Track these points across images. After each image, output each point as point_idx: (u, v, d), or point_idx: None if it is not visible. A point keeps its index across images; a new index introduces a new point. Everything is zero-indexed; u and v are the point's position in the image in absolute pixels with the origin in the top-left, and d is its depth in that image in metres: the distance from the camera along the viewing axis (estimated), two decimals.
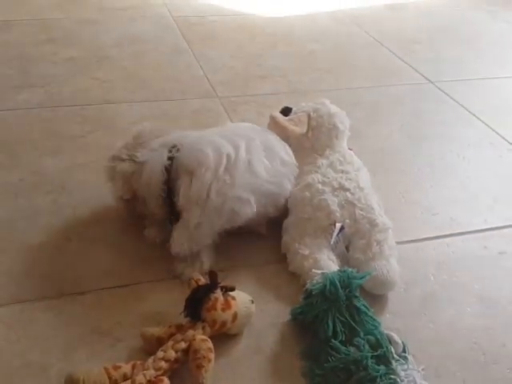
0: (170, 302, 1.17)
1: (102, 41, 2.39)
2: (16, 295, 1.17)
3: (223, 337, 1.10)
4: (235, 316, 1.09)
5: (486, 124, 2.00)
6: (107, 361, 1.03)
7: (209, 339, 1.04)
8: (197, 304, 1.08)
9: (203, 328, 1.06)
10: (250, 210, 1.25)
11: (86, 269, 1.25)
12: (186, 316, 1.09)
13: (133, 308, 1.17)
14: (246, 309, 1.12)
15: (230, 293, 1.12)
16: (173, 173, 1.23)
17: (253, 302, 1.14)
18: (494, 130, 1.95)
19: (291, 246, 1.28)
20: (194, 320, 1.07)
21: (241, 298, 1.12)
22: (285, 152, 1.35)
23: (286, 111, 1.52)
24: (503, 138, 1.91)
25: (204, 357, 1.00)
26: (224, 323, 1.08)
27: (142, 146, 1.30)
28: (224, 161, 1.22)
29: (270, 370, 1.07)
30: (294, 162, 1.37)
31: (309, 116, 1.45)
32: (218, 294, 1.10)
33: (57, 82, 2.03)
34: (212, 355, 1.01)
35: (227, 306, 1.09)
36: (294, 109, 1.53)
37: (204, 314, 1.07)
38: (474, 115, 2.06)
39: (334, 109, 1.49)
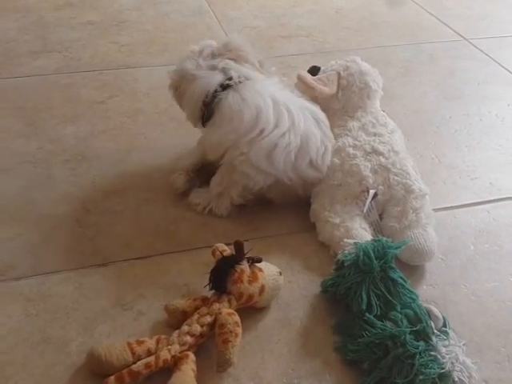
0: (194, 273, 1.12)
1: (121, 4, 2.30)
2: (35, 268, 1.13)
3: (250, 310, 1.04)
4: (262, 288, 1.03)
5: None
6: (130, 335, 1.00)
7: (235, 313, 0.98)
8: (222, 276, 1.02)
9: (229, 301, 1.01)
10: (256, 186, 1.23)
11: (106, 240, 1.20)
12: (210, 288, 1.03)
13: (156, 280, 1.12)
14: (274, 281, 1.06)
15: (257, 264, 1.05)
16: (214, 103, 1.20)
17: (281, 273, 1.08)
18: None
19: (321, 215, 1.20)
20: (220, 293, 1.02)
21: (268, 270, 1.06)
22: (317, 153, 1.23)
23: (314, 70, 1.43)
24: None
25: (231, 331, 0.94)
26: (251, 296, 1.02)
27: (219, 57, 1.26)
28: (254, 133, 1.16)
29: (299, 344, 1.01)
30: (326, 166, 1.25)
31: (338, 75, 1.36)
32: (245, 265, 1.03)
33: (75, 47, 1.96)
34: (239, 330, 0.96)
35: (254, 278, 1.03)
36: (322, 68, 1.43)
37: (230, 286, 1.01)
38: None
39: (365, 66, 1.39)
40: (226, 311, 0.98)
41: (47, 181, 1.36)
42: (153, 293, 1.09)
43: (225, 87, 1.19)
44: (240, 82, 1.20)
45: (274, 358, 0.98)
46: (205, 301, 1.02)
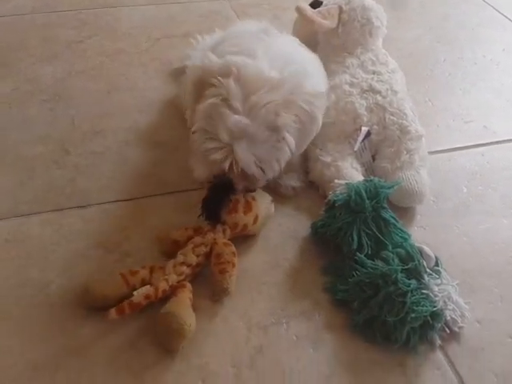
0: (180, 213, 1.08)
1: None
2: (12, 209, 1.08)
3: (238, 251, 0.99)
4: (256, 218, 1.01)
5: None
6: None
7: (231, 243, 0.96)
8: (216, 206, 0.98)
9: (224, 231, 0.98)
10: None
11: (86, 182, 1.15)
12: (205, 219, 0.99)
13: (141, 221, 1.07)
14: (267, 210, 1.05)
15: (250, 193, 1.02)
16: None
17: (272, 201, 1.06)
18: None
19: (312, 153, 1.15)
20: (214, 223, 0.99)
21: (261, 199, 1.04)
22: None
23: (315, 4, 1.35)
24: None
25: (228, 261, 0.93)
26: (245, 226, 1.00)
27: None
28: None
29: (289, 285, 0.98)
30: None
31: (340, 9, 1.29)
32: (239, 194, 1.00)
33: None
34: (236, 259, 0.94)
35: (248, 208, 1.00)
36: (324, 2, 1.35)
37: (224, 216, 0.98)
38: (507, 17, 1.87)
39: (369, 2, 1.32)
40: (222, 241, 0.96)
41: (23, 122, 1.29)
42: (138, 233, 1.04)
43: None
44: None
45: (262, 299, 0.95)
46: (197, 230, 0.99)
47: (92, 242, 1.03)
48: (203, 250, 0.95)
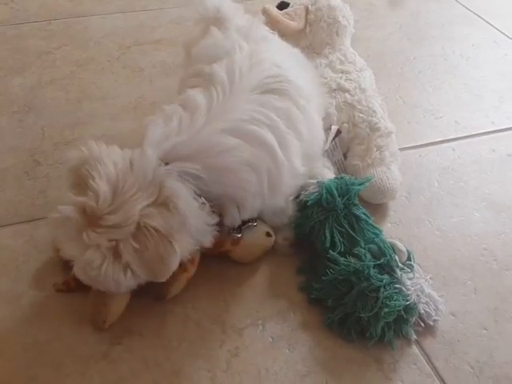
0: None
1: None
2: None
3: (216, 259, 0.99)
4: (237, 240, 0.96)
5: (488, 22, 1.85)
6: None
7: None
8: None
9: None
10: None
11: (57, 192, 1.13)
12: None
13: None
14: (255, 238, 0.99)
15: None
16: None
17: (269, 234, 1.00)
18: (497, 29, 1.81)
19: None
20: None
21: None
22: None
23: (282, 6, 1.37)
24: (507, 37, 1.77)
25: None
26: (221, 242, 0.94)
27: None
28: None
29: (263, 287, 0.98)
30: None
31: (306, 9, 1.30)
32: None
33: None
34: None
35: None
36: (291, 4, 1.36)
37: None
38: (476, 14, 1.90)
39: (335, 1, 1.33)
40: None
41: None
42: None
43: None
44: None
45: (236, 302, 0.95)
46: None
47: None
48: None
